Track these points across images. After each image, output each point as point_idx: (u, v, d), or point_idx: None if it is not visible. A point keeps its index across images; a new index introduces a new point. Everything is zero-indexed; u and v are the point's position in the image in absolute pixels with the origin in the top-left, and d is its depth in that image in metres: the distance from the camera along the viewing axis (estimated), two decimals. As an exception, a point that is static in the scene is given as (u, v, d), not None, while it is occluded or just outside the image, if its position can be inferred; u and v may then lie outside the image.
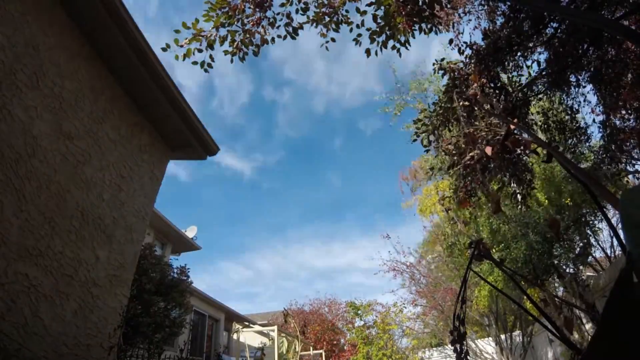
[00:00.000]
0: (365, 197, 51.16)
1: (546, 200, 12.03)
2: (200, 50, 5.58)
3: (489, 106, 5.86)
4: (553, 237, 10.21)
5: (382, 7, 5.73)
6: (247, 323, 20.05)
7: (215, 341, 16.78)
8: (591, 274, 13.58)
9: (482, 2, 7.02)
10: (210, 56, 5.70)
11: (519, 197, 6.53)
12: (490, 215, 11.55)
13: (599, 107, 7.65)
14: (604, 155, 8.31)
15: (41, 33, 4.37)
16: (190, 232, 16.00)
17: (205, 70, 5.70)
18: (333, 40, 6.14)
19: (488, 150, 4.64)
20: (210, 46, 5.61)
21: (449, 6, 6.67)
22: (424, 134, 6.78)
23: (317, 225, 54.82)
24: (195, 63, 5.63)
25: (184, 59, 5.49)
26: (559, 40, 6.50)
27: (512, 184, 6.29)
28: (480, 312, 16.12)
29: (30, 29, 4.21)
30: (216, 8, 5.49)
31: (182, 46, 5.38)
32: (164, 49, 5.32)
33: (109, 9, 4.79)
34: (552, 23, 6.58)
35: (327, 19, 6.00)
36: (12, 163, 3.89)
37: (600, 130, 7.83)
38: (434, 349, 21.24)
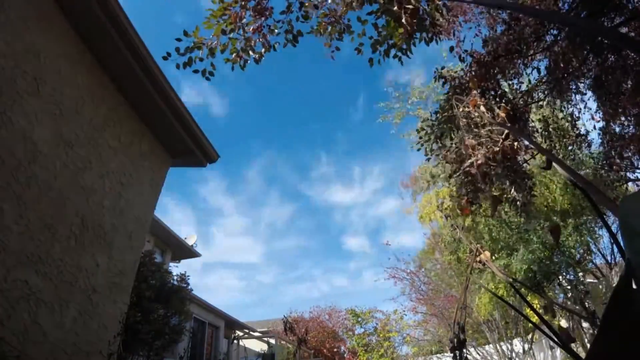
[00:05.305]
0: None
1: (546, 207, 12.02)
2: (201, 59, 5.60)
3: (489, 113, 5.87)
4: (554, 244, 10.19)
5: (384, 17, 5.75)
6: (247, 330, 19.96)
7: (215, 349, 16.69)
8: (591, 280, 13.52)
9: (483, 10, 7.04)
10: (212, 64, 5.72)
11: (518, 204, 6.51)
12: (491, 222, 11.53)
13: (599, 113, 7.65)
14: (604, 162, 8.31)
15: (41, 40, 4.39)
16: (190, 240, 16.02)
17: (207, 79, 5.71)
18: (338, 49, 6.15)
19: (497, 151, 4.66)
20: (212, 54, 5.63)
21: (449, 14, 6.69)
22: (426, 143, 6.79)
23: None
24: (196, 71, 5.64)
25: (184, 68, 5.50)
26: (559, 48, 6.52)
27: (512, 191, 6.27)
28: (481, 319, 16.06)
29: (31, 36, 4.23)
30: (217, 16, 5.51)
31: (183, 54, 5.40)
32: (165, 58, 5.33)
33: (109, 16, 4.82)
34: (552, 30, 6.60)
35: (330, 28, 6.02)
36: (12, 169, 3.89)
37: (600, 137, 7.84)
38: (444, 354, 21.06)
